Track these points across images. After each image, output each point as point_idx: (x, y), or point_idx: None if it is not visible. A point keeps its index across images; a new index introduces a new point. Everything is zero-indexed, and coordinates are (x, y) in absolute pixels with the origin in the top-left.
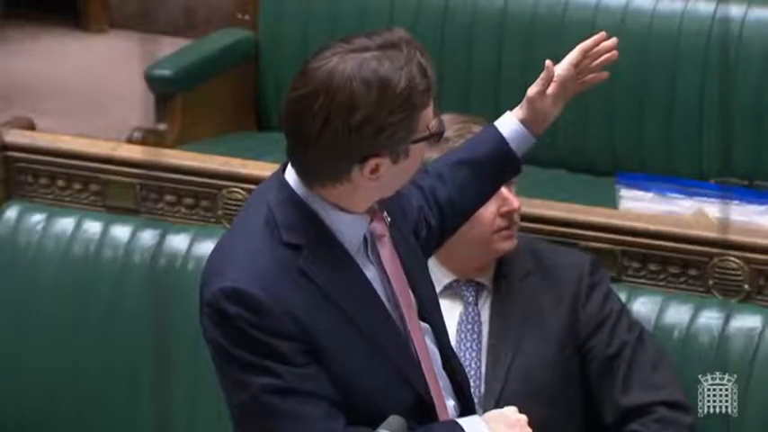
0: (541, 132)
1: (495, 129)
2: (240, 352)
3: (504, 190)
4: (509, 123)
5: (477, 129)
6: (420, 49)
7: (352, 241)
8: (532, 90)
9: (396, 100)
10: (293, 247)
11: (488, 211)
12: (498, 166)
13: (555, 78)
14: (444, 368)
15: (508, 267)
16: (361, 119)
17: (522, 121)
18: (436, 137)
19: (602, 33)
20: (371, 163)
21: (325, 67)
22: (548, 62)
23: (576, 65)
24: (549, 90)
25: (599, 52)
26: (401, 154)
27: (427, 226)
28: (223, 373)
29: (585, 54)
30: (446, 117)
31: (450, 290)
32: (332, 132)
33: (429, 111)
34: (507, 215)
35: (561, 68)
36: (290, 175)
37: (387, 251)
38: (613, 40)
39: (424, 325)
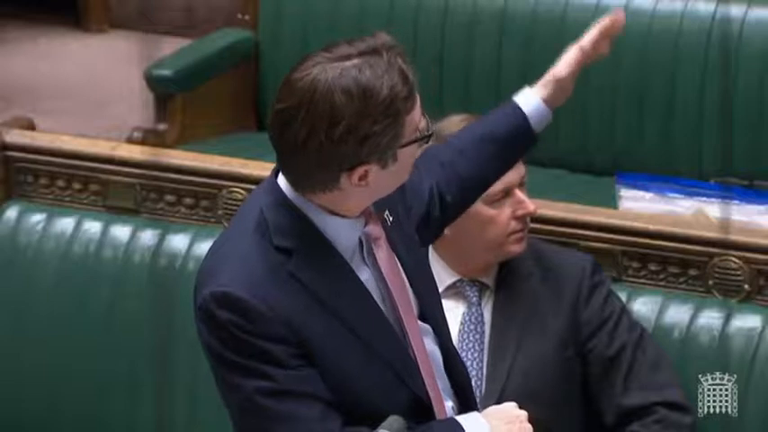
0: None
1: (517, 106)
2: (232, 355)
3: (518, 193)
4: (531, 101)
5: None
6: (401, 54)
7: (347, 245)
8: (564, 71)
9: (378, 108)
10: (284, 251)
11: (504, 213)
12: (518, 143)
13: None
14: (445, 369)
15: (510, 268)
16: (344, 129)
17: (545, 100)
18: (425, 139)
19: (620, 12)
20: (359, 171)
21: (306, 78)
22: (584, 46)
23: (596, 44)
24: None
25: (611, 30)
26: (389, 159)
27: (441, 204)
28: (218, 375)
29: (604, 34)
30: (462, 117)
31: (454, 289)
32: (316, 143)
33: (415, 114)
34: (522, 218)
35: (585, 48)
36: (283, 179)
37: (383, 253)
38: (623, 16)
39: (425, 326)
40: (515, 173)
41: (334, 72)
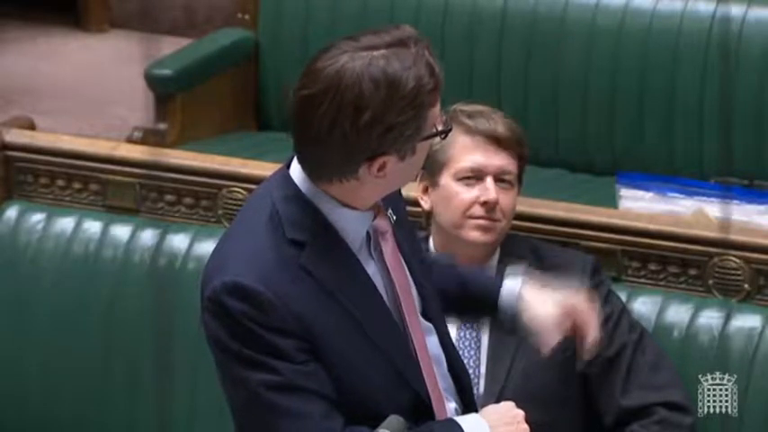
0: None
1: (500, 285)
2: (240, 347)
3: (489, 181)
4: (514, 294)
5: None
6: (428, 47)
7: (355, 237)
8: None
9: (404, 100)
10: (297, 243)
11: (470, 194)
12: (477, 305)
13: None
14: (448, 369)
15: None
16: (370, 118)
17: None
18: (443, 134)
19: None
20: (379, 161)
21: (333, 65)
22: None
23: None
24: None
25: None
26: (408, 151)
27: None
28: (223, 369)
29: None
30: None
31: None
32: (340, 132)
33: (436, 109)
34: (486, 206)
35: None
36: (295, 171)
37: (389, 248)
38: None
39: (428, 324)
40: (488, 159)
41: (362, 61)
